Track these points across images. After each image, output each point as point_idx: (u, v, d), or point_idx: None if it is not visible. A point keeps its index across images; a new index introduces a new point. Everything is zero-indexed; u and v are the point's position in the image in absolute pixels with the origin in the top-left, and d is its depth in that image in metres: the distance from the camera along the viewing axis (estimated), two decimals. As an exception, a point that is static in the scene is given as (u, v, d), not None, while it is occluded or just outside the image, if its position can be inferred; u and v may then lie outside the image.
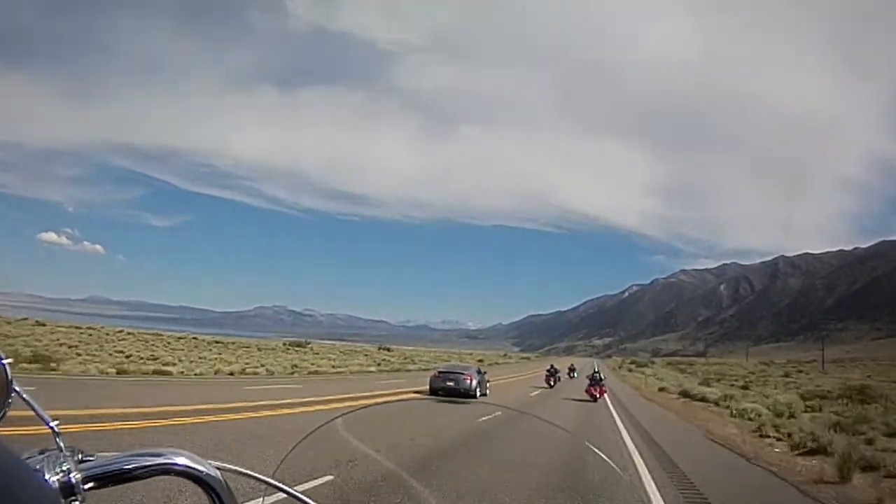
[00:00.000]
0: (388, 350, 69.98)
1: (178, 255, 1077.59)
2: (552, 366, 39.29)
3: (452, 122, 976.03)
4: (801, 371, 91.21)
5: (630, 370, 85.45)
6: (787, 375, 74.18)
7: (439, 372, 24.67)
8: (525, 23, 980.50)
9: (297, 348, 52.57)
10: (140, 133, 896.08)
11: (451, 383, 22.92)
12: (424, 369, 42.36)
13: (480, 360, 65.24)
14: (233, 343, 53.86)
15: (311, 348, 54.46)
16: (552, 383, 35.61)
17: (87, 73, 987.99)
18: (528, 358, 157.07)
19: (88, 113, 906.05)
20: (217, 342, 50.94)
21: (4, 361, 0.75)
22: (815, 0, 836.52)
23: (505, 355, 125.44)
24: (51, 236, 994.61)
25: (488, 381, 26.34)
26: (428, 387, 23.39)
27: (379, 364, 44.63)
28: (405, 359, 58.44)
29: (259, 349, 48.77)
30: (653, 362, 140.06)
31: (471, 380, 23.16)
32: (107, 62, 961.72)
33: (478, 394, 23.39)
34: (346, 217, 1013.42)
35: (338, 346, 76.14)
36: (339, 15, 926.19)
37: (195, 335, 59.39)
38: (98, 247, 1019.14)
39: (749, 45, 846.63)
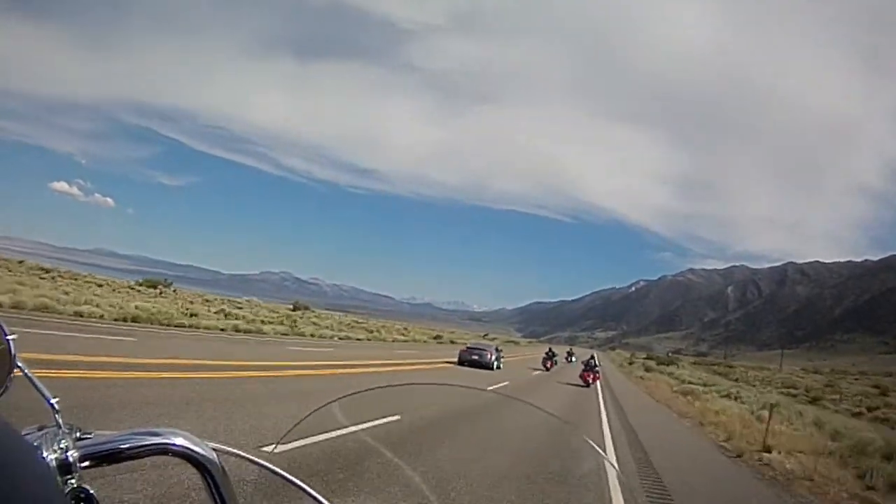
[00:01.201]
0: (307, 309, 55.08)
1: (187, 215, 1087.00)
2: (550, 349, 40.20)
3: (467, 103, 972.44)
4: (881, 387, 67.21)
5: (648, 369, 54.74)
6: (884, 394, 55.92)
7: (468, 347, 30.39)
8: (545, 5, 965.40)
9: (148, 289, 40.93)
10: (155, 91, 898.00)
11: (475, 357, 28.16)
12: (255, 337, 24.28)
13: (438, 337, 58.74)
14: (65, 273, 42.52)
15: (162, 291, 41.70)
16: (549, 366, 36.13)
17: (103, 28, 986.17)
18: (515, 342, 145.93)
19: (104, 68, 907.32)
20: (45, 270, 40.38)
21: (9, 337, 0.76)
22: (844, 10, 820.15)
23: (485, 336, 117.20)
24: (62, 186, 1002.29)
25: (503, 358, 31.34)
26: (457, 358, 28.57)
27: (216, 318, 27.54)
28: (289, 325, 33.74)
29: (98, 284, 37.73)
30: (678, 359, 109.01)
31: (491, 355, 28.56)
32: (124, 17, 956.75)
33: (494, 366, 28.17)
34: (357, 190, 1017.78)
35: (208, 295, 55.54)
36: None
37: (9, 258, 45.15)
38: (109, 200, 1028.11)
39: (775, 50, 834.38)
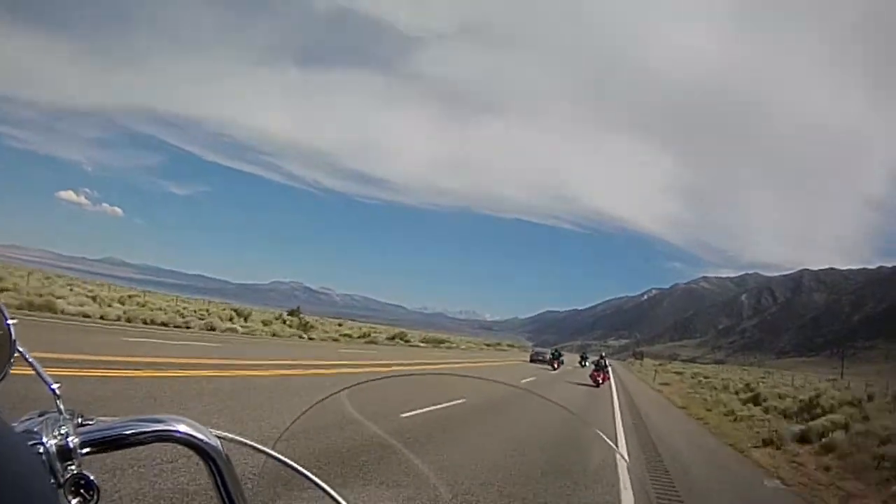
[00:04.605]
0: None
1: (196, 224, 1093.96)
2: (556, 349, 45.13)
3: (476, 112, 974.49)
4: None
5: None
6: None
7: (535, 350, 52.32)
8: (555, 16, 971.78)
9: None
10: (162, 99, 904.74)
11: (540, 357, 45.62)
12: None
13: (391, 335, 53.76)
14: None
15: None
16: (556, 366, 39.20)
17: (109, 36, 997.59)
18: (503, 343, 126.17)
19: (110, 76, 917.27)
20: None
21: (9, 322, 0.76)
22: (848, 16, 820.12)
23: (498, 343, 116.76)
24: (69, 195, 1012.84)
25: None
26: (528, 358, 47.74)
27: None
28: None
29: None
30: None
31: (549, 355, 43.31)
32: (129, 25, 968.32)
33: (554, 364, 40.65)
34: (366, 199, 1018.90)
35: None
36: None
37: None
38: (117, 209, 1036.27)
39: (781, 56, 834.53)
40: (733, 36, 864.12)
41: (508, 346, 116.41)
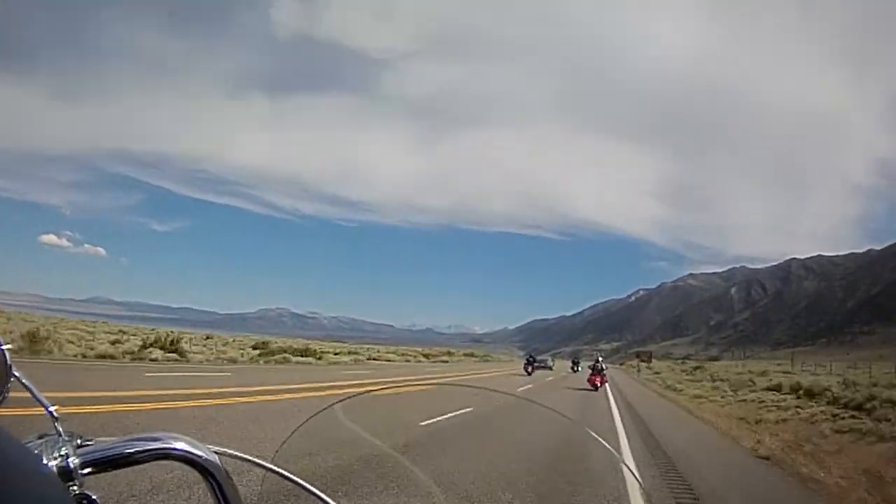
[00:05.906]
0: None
1: (180, 259, 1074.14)
2: (530, 355, 44.96)
3: (451, 127, 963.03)
4: None
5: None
6: None
7: (537, 359, 45.09)
8: (524, 22, 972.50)
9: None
10: (134, 138, 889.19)
11: (539, 362, 44.40)
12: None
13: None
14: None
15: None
16: (529, 371, 39.59)
17: (77, 78, 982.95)
18: (471, 354, 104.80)
19: (80, 118, 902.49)
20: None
21: (4, 347, 0.75)
22: (823, 2, 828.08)
23: (485, 355, 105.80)
24: (51, 238, 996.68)
25: (554, 363, 54.19)
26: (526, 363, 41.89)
27: None
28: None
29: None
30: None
31: (550, 361, 53.19)
32: (97, 67, 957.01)
33: (551, 367, 48.88)
34: (347, 222, 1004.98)
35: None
36: (323, 22, 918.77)
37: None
38: (100, 249, 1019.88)
39: (757, 47, 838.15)
40: (705, 25, 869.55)
41: (466, 355, 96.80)
